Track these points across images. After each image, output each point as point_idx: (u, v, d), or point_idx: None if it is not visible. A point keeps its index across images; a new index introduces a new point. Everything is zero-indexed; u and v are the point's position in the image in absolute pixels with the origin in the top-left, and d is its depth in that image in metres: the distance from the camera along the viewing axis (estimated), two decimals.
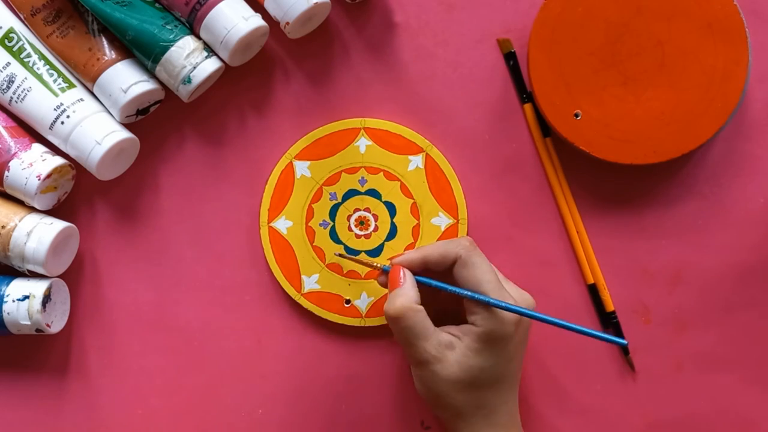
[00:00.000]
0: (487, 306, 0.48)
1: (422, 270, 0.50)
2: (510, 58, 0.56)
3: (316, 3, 0.52)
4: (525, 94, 0.56)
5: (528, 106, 0.56)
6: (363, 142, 0.56)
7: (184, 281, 0.58)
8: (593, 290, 0.56)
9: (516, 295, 0.50)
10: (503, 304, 0.48)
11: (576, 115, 0.53)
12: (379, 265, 0.52)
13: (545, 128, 0.56)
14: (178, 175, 0.58)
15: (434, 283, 0.50)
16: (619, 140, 0.53)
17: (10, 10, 0.56)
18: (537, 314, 0.48)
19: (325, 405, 0.58)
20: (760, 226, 0.56)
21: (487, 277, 0.48)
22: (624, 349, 0.56)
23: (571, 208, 0.56)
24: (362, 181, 0.56)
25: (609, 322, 0.56)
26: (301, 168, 0.56)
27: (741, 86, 0.52)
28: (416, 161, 0.56)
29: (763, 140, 0.56)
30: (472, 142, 0.57)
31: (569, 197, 0.56)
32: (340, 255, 0.54)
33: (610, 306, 0.56)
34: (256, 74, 0.57)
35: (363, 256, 0.56)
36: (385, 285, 0.51)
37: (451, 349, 0.48)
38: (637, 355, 0.56)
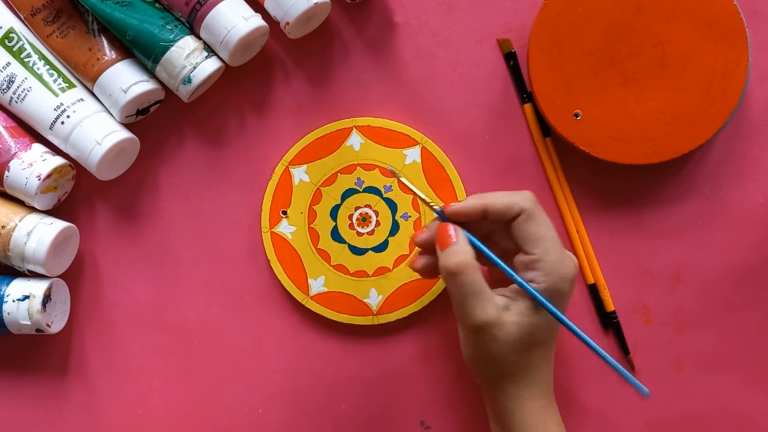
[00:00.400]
0: (548, 262, 0.47)
1: (479, 219, 0.48)
2: (510, 58, 0.56)
3: (316, 3, 0.52)
4: (525, 94, 0.56)
5: (528, 106, 0.56)
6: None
7: (184, 281, 0.58)
8: (593, 290, 0.56)
9: (569, 254, 0.49)
10: (543, 301, 0.47)
11: (576, 115, 0.53)
12: (433, 206, 0.49)
13: (545, 128, 0.56)
14: (178, 175, 0.58)
15: (484, 249, 0.48)
16: (619, 140, 0.53)
17: (10, 10, 0.56)
18: (573, 327, 0.47)
19: (325, 405, 0.58)
20: (760, 226, 0.56)
21: (551, 234, 0.47)
22: (624, 349, 0.56)
23: (571, 208, 0.56)
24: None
25: (609, 322, 0.56)
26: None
27: (741, 86, 0.52)
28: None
29: (763, 140, 0.56)
30: (472, 142, 0.57)
31: (569, 197, 0.56)
32: (393, 171, 0.51)
33: (610, 306, 0.56)
34: (256, 74, 0.57)
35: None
36: (423, 244, 0.50)
37: (507, 310, 0.47)
38: (637, 355, 0.56)
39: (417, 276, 0.55)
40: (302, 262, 0.56)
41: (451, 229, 0.48)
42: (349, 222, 0.56)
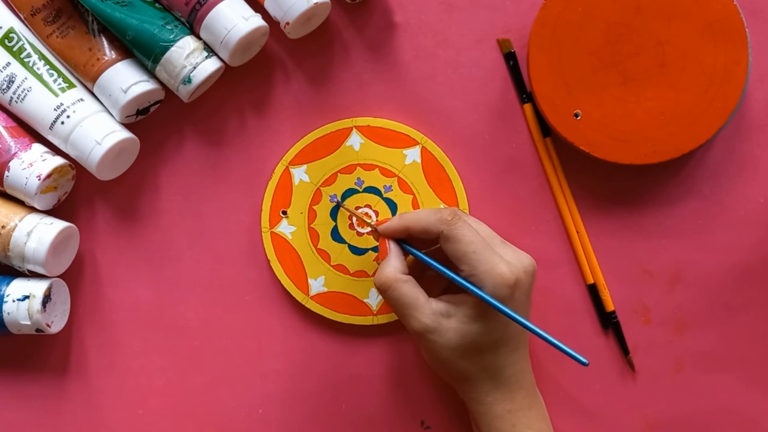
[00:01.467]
0: (476, 277, 0.48)
1: (407, 237, 0.51)
2: (510, 58, 0.56)
3: (316, 3, 0.52)
4: (525, 94, 0.56)
5: (528, 106, 0.56)
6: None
7: (184, 281, 0.58)
8: (593, 290, 0.56)
9: (511, 258, 0.49)
10: (475, 291, 0.47)
11: (576, 115, 0.53)
12: (370, 222, 0.53)
13: (545, 128, 0.56)
14: (178, 175, 0.58)
15: (421, 256, 0.50)
16: (619, 140, 0.53)
17: (10, 10, 0.56)
18: (501, 306, 0.47)
19: (325, 405, 0.58)
20: (760, 226, 0.56)
21: (471, 248, 0.48)
22: (624, 349, 0.56)
23: (571, 208, 0.56)
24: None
25: (609, 322, 0.56)
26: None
27: (741, 86, 0.52)
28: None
29: (763, 140, 0.56)
30: (472, 142, 0.57)
31: (569, 197, 0.56)
32: (336, 201, 0.55)
33: (610, 306, 0.56)
34: (256, 74, 0.57)
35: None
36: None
37: (447, 317, 0.49)
38: (637, 355, 0.56)
39: None
40: (302, 262, 0.56)
41: (387, 243, 0.51)
42: (349, 222, 0.56)
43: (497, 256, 0.48)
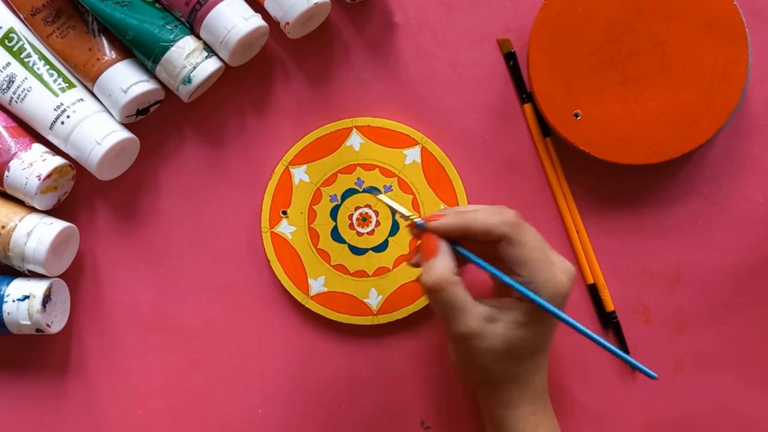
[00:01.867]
0: (534, 285, 0.46)
1: (461, 237, 0.48)
2: (510, 58, 0.56)
3: (316, 3, 0.52)
4: (525, 94, 0.56)
5: (528, 106, 0.56)
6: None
7: (184, 281, 0.58)
8: (593, 290, 0.56)
9: (561, 265, 0.48)
10: (540, 301, 0.46)
11: (576, 115, 0.53)
12: (413, 217, 0.49)
13: (545, 128, 0.56)
14: (178, 175, 0.58)
15: (474, 259, 0.48)
16: (619, 140, 0.53)
17: (10, 10, 0.56)
18: (570, 320, 0.47)
19: (325, 405, 0.58)
20: (760, 226, 0.56)
21: (534, 255, 0.47)
22: (624, 349, 0.56)
23: (571, 208, 0.56)
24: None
25: (609, 322, 0.56)
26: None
27: (741, 86, 0.52)
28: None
29: (763, 140, 0.56)
30: (472, 142, 0.57)
31: (569, 197, 0.56)
32: (370, 191, 0.53)
33: (610, 306, 0.56)
34: (256, 74, 0.57)
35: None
36: (416, 236, 0.49)
37: (492, 322, 0.47)
38: (637, 355, 0.56)
39: (417, 275, 0.56)
40: (302, 262, 0.56)
41: (437, 241, 0.48)
42: (349, 222, 0.56)
43: (554, 265, 0.47)
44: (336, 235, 0.56)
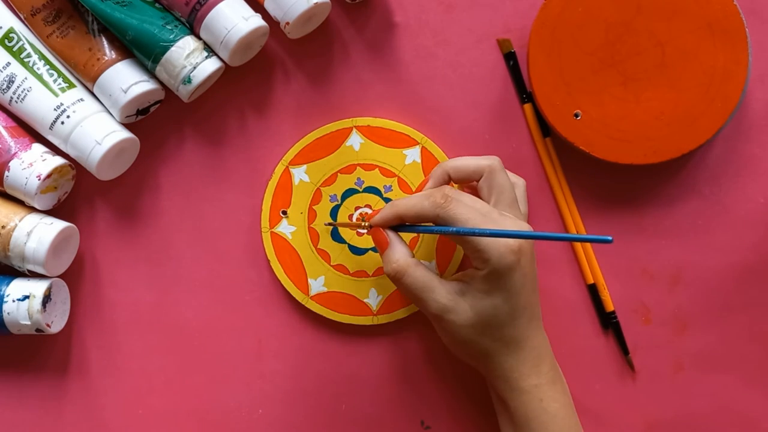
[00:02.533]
0: (479, 247, 0.47)
1: (400, 223, 0.50)
2: (510, 58, 0.56)
3: (316, 3, 0.52)
4: (525, 94, 0.56)
5: (528, 106, 0.56)
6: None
7: (184, 281, 0.58)
8: (593, 290, 0.56)
9: (512, 227, 0.48)
10: (487, 231, 0.47)
11: (576, 115, 0.53)
12: (366, 224, 0.52)
13: (545, 128, 0.56)
14: (178, 176, 0.58)
15: (422, 228, 0.50)
16: (619, 140, 0.53)
17: (10, 10, 0.56)
18: (520, 232, 0.47)
19: (325, 405, 0.58)
20: (760, 226, 0.56)
21: (472, 215, 0.47)
22: (624, 349, 0.56)
23: (571, 208, 0.56)
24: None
25: (609, 322, 0.56)
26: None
27: (741, 86, 0.52)
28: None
29: (763, 140, 0.56)
30: (472, 142, 0.57)
31: (569, 197, 0.56)
32: (329, 224, 0.55)
33: (610, 306, 0.56)
34: (256, 74, 0.57)
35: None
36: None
37: (462, 295, 0.49)
38: (637, 355, 0.56)
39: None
40: (302, 262, 0.56)
41: (385, 233, 0.50)
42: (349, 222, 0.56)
43: (501, 223, 0.48)
44: (336, 235, 0.56)
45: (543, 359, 0.50)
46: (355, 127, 0.56)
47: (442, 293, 0.49)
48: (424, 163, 0.56)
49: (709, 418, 0.56)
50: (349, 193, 0.56)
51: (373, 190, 0.56)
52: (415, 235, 0.56)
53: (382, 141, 0.56)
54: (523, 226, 0.49)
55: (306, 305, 0.56)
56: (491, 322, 0.49)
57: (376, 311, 0.56)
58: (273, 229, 0.56)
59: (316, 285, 0.56)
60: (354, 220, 0.56)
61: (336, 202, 0.56)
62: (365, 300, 0.56)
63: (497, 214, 0.49)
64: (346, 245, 0.56)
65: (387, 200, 0.56)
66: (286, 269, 0.56)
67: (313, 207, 0.56)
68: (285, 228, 0.56)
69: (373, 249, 0.56)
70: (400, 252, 0.50)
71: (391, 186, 0.56)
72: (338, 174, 0.56)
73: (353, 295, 0.56)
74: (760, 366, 0.56)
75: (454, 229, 0.48)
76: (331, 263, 0.56)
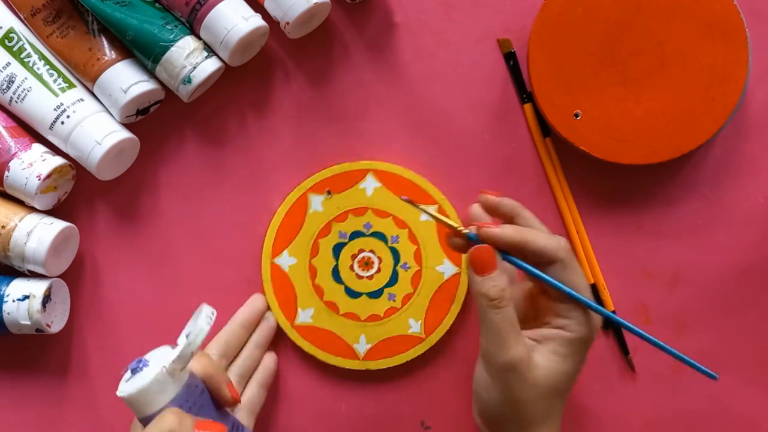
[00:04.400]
0: (583, 311, 0.46)
1: (511, 252, 0.46)
2: (510, 58, 0.56)
3: (316, 3, 0.52)
4: (525, 94, 0.56)
5: (528, 106, 0.56)
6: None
7: (184, 282, 0.58)
8: (593, 290, 0.56)
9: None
10: (604, 311, 0.46)
11: (576, 115, 0.53)
12: (463, 230, 0.46)
13: (545, 128, 0.56)
14: (178, 176, 0.58)
15: (531, 269, 0.45)
16: (619, 140, 0.53)
17: (10, 10, 0.56)
18: (632, 326, 0.47)
19: (325, 405, 0.58)
20: (760, 226, 0.56)
21: (584, 284, 0.46)
22: (624, 350, 0.56)
23: (571, 208, 0.56)
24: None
25: (609, 322, 0.56)
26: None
27: (741, 86, 0.52)
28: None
29: (763, 140, 0.56)
30: (472, 142, 0.57)
31: (569, 197, 0.56)
32: (407, 200, 0.47)
33: (610, 306, 0.56)
34: (256, 74, 0.57)
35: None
36: (458, 248, 0.47)
37: (533, 352, 0.45)
38: (637, 355, 0.56)
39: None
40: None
41: (492, 253, 0.45)
42: (351, 263, 0.56)
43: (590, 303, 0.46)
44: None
45: (559, 422, 0.48)
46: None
47: (523, 343, 0.44)
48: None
49: (709, 418, 0.56)
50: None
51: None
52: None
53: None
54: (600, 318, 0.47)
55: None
56: (555, 387, 0.45)
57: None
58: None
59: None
60: (355, 263, 0.56)
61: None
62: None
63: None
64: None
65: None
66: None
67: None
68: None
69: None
70: (506, 281, 0.45)
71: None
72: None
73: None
74: (760, 366, 0.56)
75: (571, 291, 0.45)
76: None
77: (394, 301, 0.56)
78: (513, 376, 0.45)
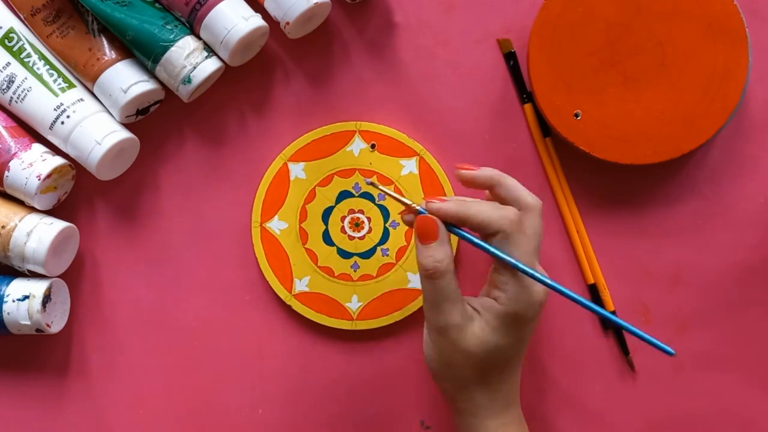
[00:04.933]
0: (518, 286, 0.46)
1: (454, 224, 0.48)
2: (510, 58, 0.56)
3: (316, 3, 0.52)
4: (525, 94, 0.56)
5: (528, 106, 0.56)
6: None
7: (184, 281, 0.58)
8: (593, 290, 0.56)
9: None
10: (544, 279, 0.46)
11: (576, 115, 0.53)
12: (414, 206, 0.48)
13: (545, 128, 0.56)
14: (178, 175, 0.58)
15: (474, 240, 0.47)
16: (619, 140, 0.53)
17: (10, 10, 0.56)
18: (573, 294, 0.46)
19: (325, 405, 0.58)
20: (760, 226, 0.56)
21: (524, 259, 0.46)
22: (624, 350, 0.56)
23: (571, 208, 0.56)
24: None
25: (609, 323, 0.56)
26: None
27: (741, 86, 0.52)
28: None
29: (763, 140, 0.56)
30: (472, 142, 0.57)
31: (569, 197, 0.56)
32: (372, 183, 0.49)
33: (610, 306, 0.56)
34: (256, 74, 0.57)
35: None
36: (410, 224, 0.48)
37: (471, 321, 0.47)
38: (637, 355, 0.56)
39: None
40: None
41: (438, 225, 0.47)
42: (341, 225, 0.56)
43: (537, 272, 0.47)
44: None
45: (514, 402, 0.50)
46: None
47: (460, 310, 0.47)
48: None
49: (709, 418, 0.56)
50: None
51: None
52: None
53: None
54: (545, 290, 0.48)
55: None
56: (486, 359, 0.47)
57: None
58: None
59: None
60: (346, 224, 0.56)
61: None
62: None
63: (537, 264, 0.48)
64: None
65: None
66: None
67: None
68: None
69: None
70: (445, 252, 0.46)
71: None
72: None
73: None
74: (760, 366, 0.56)
75: (510, 259, 0.46)
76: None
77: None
78: (445, 340, 0.47)
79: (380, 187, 0.49)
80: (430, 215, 0.47)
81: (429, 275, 0.47)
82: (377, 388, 0.57)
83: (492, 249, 0.47)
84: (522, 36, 0.56)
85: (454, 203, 0.47)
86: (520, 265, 0.46)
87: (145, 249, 0.58)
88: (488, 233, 0.47)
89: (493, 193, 0.49)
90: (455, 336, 0.47)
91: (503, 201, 0.49)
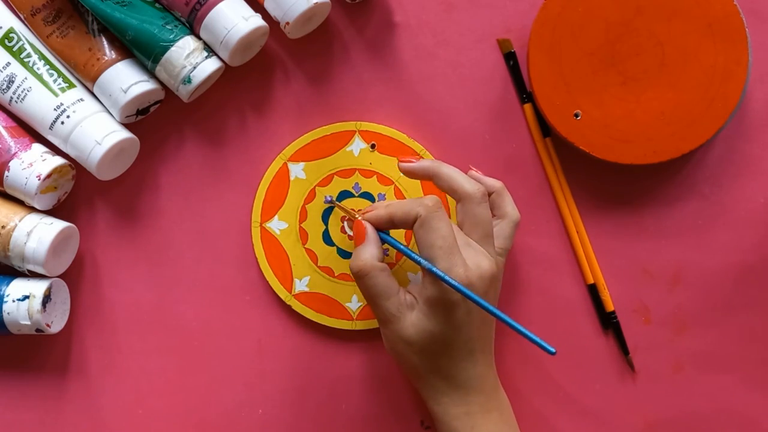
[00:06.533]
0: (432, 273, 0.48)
1: (390, 226, 0.50)
2: (510, 58, 0.56)
3: (316, 3, 0.52)
4: (525, 94, 0.56)
5: (528, 106, 0.56)
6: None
7: (184, 281, 0.58)
8: (593, 290, 0.56)
9: (471, 261, 0.48)
10: (439, 273, 0.47)
11: (576, 115, 0.53)
12: (358, 216, 0.51)
13: (545, 128, 0.56)
14: (178, 175, 0.58)
15: (393, 242, 0.50)
16: (619, 140, 0.53)
17: (10, 10, 0.56)
18: (471, 294, 0.47)
19: (325, 405, 0.58)
20: (760, 226, 0.56)
21: (439, 243, 0.47)
22: (624, 350, 0.56)
23: (571, 208, 0.56)
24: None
25: (609, 322, 0.56)
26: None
27: (741, 86, 0.52)
28: None
29: (763, 140, 0.56)
30: (472, 142, 0.57)
31: (569, 197, 0.56)
32: (330, 201, 0.53)
33: (610, 306, 0.56)
34: (256, 74, 0.57)
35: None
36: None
37: (410, 309, 0.49)
38: (637, 355, 0.56)
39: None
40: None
41: (365, 228, 0.50)
42: (341, 224, 0.56)
43: (458, 258, 0.47)
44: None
45: (478, 390, 0.50)
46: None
47: (394, 303, 0.49)
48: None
49: (709, 418, 0.56)
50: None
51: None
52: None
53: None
54: (483, 263, 0.48)
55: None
56: (426, 346, 0.49)
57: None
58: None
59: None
60: (346, 225, 0.56)
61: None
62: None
63: (464, 242, 0.49)
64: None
65: None
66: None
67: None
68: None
69: None
70: (369, 252, 0.49)
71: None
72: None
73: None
74: (760, 366, 0.56)
75: (417, 257, 0.48)
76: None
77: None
78: (389, 331, 0.50)
79: (336, 203, 0.53)
80: (360, 220, 0.51)
81: (355, 275, 0.49)
82: (377, 388, 0.57)
83: (392, 240, 0.50)
84: (522, 36, 0.56)
85: (380, 208, 0.50)
86: (414, 255, 0.48)
87: (145, 249, 0.58)
88: (411, 223, 0.49)
89: (434, 184, 0.52)
90: (394, 326, 0.49)
91: (444, 192, 0.51)
